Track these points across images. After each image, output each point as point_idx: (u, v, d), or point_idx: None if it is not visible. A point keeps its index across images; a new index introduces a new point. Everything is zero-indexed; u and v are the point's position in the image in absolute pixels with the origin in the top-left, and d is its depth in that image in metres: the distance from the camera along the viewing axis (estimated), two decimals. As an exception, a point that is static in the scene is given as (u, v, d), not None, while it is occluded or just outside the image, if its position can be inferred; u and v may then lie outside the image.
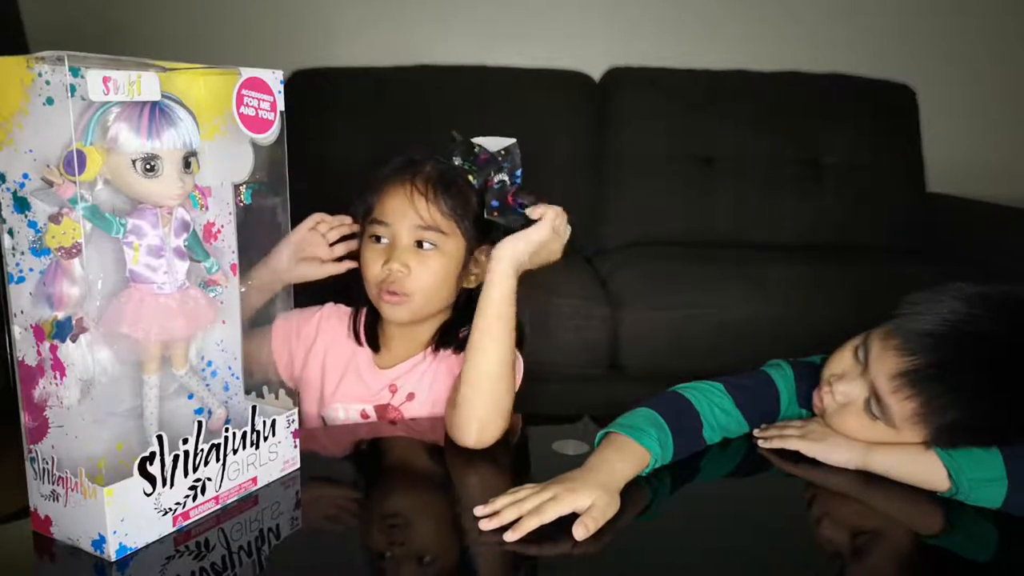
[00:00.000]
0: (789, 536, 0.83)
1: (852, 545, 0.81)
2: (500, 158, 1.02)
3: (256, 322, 0.88)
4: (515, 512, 0.77)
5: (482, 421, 0.93)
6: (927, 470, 0.87)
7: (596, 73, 2.50)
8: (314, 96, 2.41)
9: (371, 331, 1.11)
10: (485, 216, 0.99)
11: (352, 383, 1.09)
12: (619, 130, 2.42)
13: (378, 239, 1.03)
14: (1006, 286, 0.89)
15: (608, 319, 1.90)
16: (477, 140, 1.04)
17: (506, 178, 1.01)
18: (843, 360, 0.94)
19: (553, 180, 2.29)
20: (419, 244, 1.02)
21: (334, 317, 1.14)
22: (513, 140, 1.04)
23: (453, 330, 1.07)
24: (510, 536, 0.75)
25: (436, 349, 1.07)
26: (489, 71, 2.46)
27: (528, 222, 0.98)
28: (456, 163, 1.01)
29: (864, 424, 0.91)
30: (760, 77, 2.45)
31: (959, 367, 0.85)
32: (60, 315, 0.67)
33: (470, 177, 1.01)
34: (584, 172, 2.40)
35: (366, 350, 1.10)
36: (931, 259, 2.24)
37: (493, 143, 1.04)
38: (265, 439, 0.83)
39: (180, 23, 2.53)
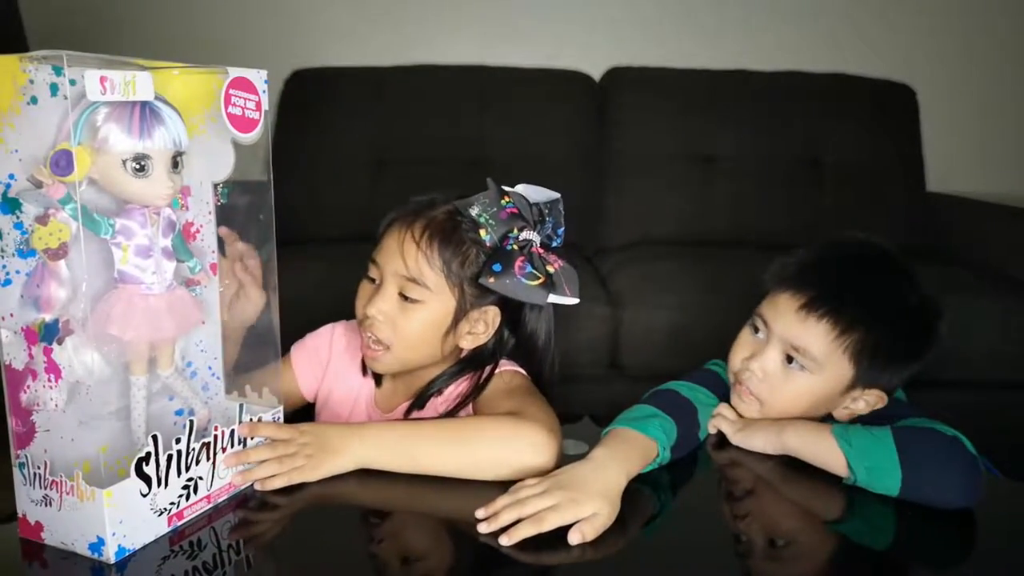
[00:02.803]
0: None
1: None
2: (545, 211, 0.96)
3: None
4: (514, 514, 0.76)
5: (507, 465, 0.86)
6: (828, 455, 0.89)
7: (596, 73, 2.49)
8: (314, 96, 2.41)
9: None
10: (480, 280, 0.91)
11: (358, 420, 1.06)
12: (619, 130, 2.42)
13: (372, 279, 0.98)
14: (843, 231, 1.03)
15: (608, 318, 1.89)
16: (518, 189, 0.97)
17: (534, 237, 0.94)
18: (744, 344, 1.00)
19: (553, 180, 2.27)
20: (403, 296, 0.95)
21: (344, 338, 1.09)
22: (557, 195, 0.98)
23: (439, 385, 1.00)
24: (505, 541, 0.74)
25: (408, 412, 1.00)
26: (489, 71, 2.45)
27: (527, 292, 0.91)
28: (473, 213, 0.94)
29: (796, 384, 0.95)
30: (760, 77, 2.44)
31: (850, 282, 0.95)
32: (47, 318, 0.66)
33: (482, 232, 0.93)
34: (584, 172, 2.40)
35: (370, 383, 1.07)
36: (931, 258, 2.23)
37: (536, 193, 0.97)
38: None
39: (180, 22, 2.53)
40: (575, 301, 0.93)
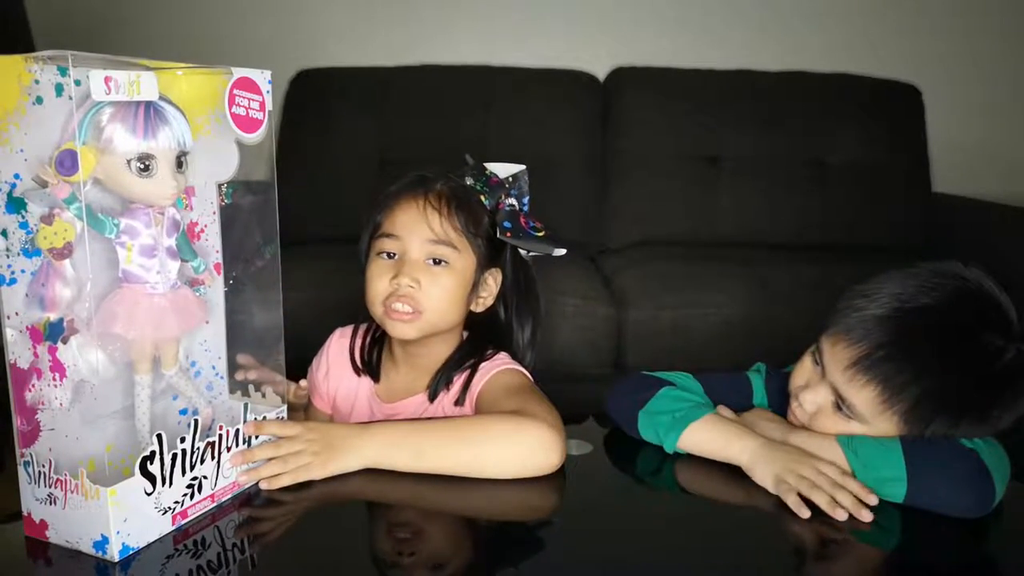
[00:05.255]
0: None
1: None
2: (508, 184, 1.03)
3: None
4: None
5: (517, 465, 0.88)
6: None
7: (601, 72, 2.50)
8: (318, 96, 2.42)
9: (372, 357, 1.08)
10: (498, 236, 0.99)
11: (361, 416, 1.07)
12: (623, 129, 2.42)
13: (389, 255, 0.99)
14: (945, 262, 0.92)
15: (612, 319, 1.90)
16: (487, 165, 1.04)
17: (515, 203, 1.02)
18: (804, 370, 0.94)
19: (557, 180, 2.29)
20: (431, 261, 0.98)
21: (337, 345, 1.12)
22: (523, 167, 1.05)
23: (452, 370, 1.02)
24: None
25: (432, 398, 1.02)
26: (493, 71, 2.46)
27: (540, 245, 1.00)
28: (468, 183, 1.02)
29: (845, 428, 0.90)
30: (765, 77, 2.44)
31: (906, 344, 0.85)
32: (52, 317, 0.67)
33: (482, 198, 1.01)
34: (588, 171, 2.40)
35: (367, 379, 1.08)
36: (936, 259, 2.22)
37: (502, 169, 1.04)
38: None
39: (185, 23, 2.54)
40: (563, 251, 1.02)
